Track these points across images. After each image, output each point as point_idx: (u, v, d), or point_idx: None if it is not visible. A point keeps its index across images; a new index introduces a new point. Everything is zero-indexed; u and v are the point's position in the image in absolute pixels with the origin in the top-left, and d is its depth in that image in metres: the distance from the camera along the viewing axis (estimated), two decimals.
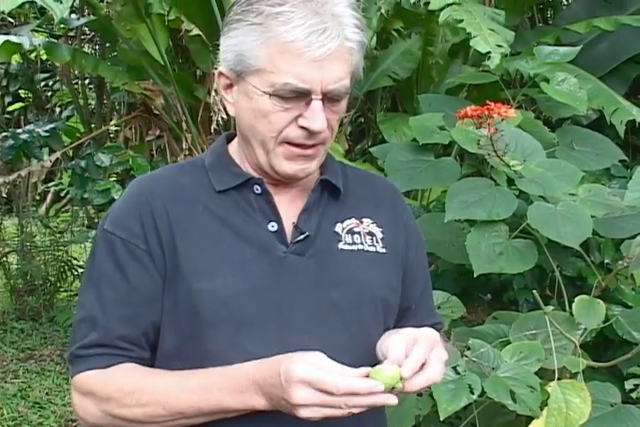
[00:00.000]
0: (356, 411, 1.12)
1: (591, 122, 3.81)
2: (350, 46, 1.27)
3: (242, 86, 1.30)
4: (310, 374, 1.11)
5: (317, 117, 1.26)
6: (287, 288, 1.31)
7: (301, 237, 1.34)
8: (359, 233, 1.40)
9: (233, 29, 1.28)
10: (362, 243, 1.39)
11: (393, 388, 1.13)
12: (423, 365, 1.17)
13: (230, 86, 1.33)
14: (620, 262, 2.08)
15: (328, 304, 1.33)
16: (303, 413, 1.12)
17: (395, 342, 1.22)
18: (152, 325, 1.32)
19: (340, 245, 1.37)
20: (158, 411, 1.24)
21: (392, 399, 1.13)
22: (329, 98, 1.27)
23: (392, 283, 1.42)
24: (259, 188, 1.35)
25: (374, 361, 1.22)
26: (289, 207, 1.37)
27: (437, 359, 1.19)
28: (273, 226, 1.34)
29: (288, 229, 1.35)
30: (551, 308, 1.96)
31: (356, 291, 1.35)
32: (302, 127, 1.27)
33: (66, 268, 6.32)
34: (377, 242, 1.41)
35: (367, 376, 1.13)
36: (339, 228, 1.38)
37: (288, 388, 1.12)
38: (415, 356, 1.16)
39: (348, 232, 1.39)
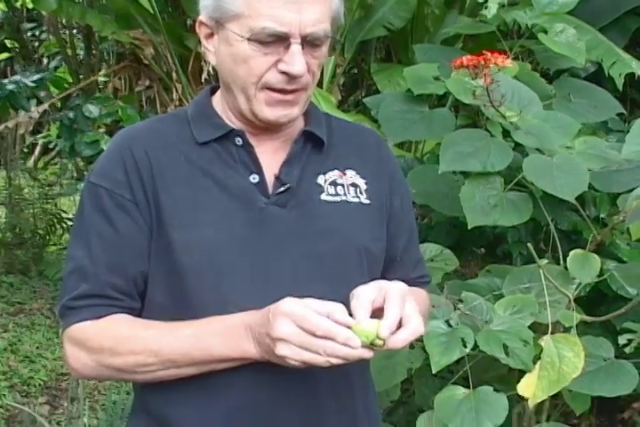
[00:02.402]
0: (334, 362, 1.13)
1: (589, 74, 3.74)
2: None
3: (222, 34, 1.30)
4: (295, 310, 1.13)
5: (296, 61, 1.26)
6: (268, 239, 1.31)
7: (282, 188, 1.34)
8: (342, 185, 1.40)
9: None
10: (345, 194, 1.39)
11: (373, 344, 1.14)
12: (400, 321, 1.17)
13: (211, 35, 1.34)
14: (615, 217, 2.05)
15: (310, 255, 1.33)
16: (282, 349, 1.14)
17: (362, 290, 1.22)
18: (141, 274, 1.33)
19: (323, 197, 1.37)
20: (150, 359, 1.26)
21: (367, 353, 1.14)
22: (309, 42, 1.27)
23: (375, 233, 1.42)
24: (240, 140, 1.35)
25: None
26: (271, 159, 1.37)
27: (414, 311, 1.19)
28: (254, 178, 1.34)
29: (270, 180, 1.35)
30: (545, 261, 1.94)
31: (339, 241, 1.35)
32: (282, 72, 1.27)
33: (55, 221, 6.31)
34: (361, 193, 1.41)
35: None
36: (321, 179, 1.39)
37: (273, 321, 1.14)
38: (391, 315, 1.16)
39: (330, 184, 1.39)
